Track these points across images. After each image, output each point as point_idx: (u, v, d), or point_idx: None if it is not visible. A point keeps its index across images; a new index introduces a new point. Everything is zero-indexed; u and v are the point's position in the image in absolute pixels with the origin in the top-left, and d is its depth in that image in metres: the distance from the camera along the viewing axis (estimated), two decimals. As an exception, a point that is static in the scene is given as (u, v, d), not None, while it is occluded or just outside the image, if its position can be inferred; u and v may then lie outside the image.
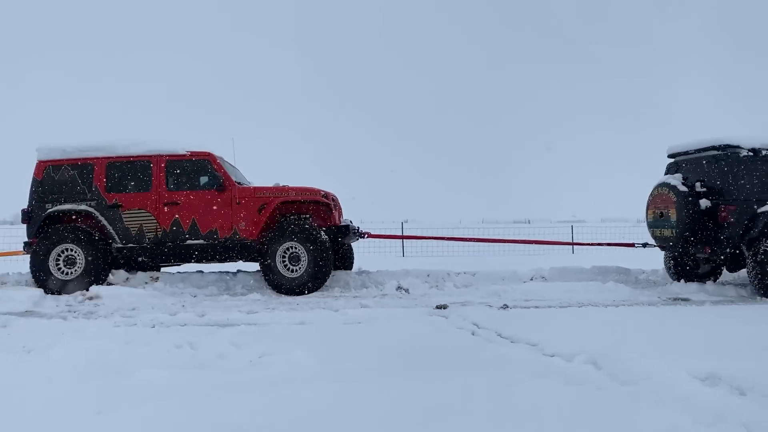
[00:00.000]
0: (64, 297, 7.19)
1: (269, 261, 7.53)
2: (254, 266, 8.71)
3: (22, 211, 7.92)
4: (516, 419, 2.37)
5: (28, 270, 7.89)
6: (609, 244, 9.92)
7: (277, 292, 7.52)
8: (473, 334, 4.44)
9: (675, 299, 6.73)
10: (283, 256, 7.56)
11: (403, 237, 10.14)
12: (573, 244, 11.45)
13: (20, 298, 6.76)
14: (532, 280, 8.26)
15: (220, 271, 8.35)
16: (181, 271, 8.54)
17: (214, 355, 3.78)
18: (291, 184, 8.04)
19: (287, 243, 7.54)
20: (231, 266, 9.02)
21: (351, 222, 8.59)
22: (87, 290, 7.25)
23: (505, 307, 5.92)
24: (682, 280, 7.74)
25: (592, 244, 10.28)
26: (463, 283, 7.96)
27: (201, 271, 8.37)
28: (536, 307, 6.05)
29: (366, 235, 8.97)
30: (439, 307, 5.81)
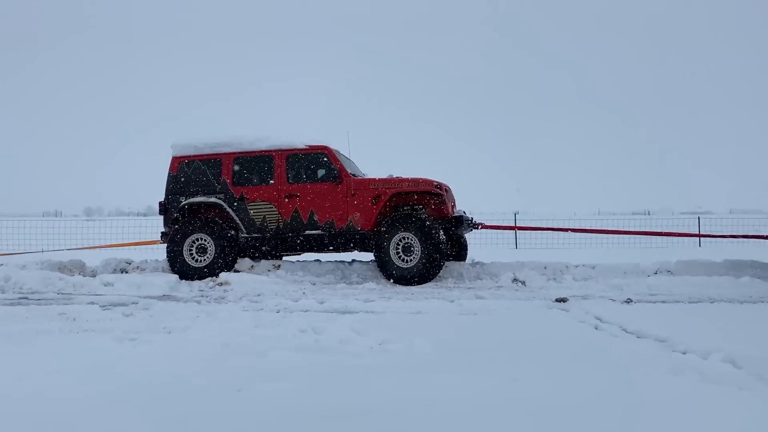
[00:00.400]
0: (196, 283, 7.74)
1: (383, 251, 7.69)
2: (369, 256, 8.93)
3: (159, 203, 8.60)
4: (652, 417, 2.27)
5: (164, 257, 8.57)
6: (744, 236, 9.18)
7: (391, 281, 7.66)
8: (596, 328, 4.29)
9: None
10: (397, 247, 7.68)
11: (518, 228, 9.90)
12: (701, 236, 10.69)
13: (158, 284, 7.35)
14: (656, 273, 7.82)
15: (336, 261, 8.62)
16: (301, 259, 8.91)
17: (336, 340, 3.91)
18: (405, 176, 8.14)
19: (401, 234, 7.66)
20: (346, 256, 9.29)
21: (464, 213, 8.56)
22: (217, 277, 7.77)
23: (629, 301, 5.67)
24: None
25: (723, 236, 9.55)
26: (583, 276, 7.70)
27: (319, 260, 8.68)
28: (663, 302, 5.72)
29: (480, 226, 8.91)
30: (558, 300, 5.66)
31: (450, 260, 8.47)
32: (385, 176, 8.20)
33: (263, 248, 8.27)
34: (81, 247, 14.17)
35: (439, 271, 7.64)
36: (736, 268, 7.76)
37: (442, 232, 7.64)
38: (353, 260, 8.73)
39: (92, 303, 5.95)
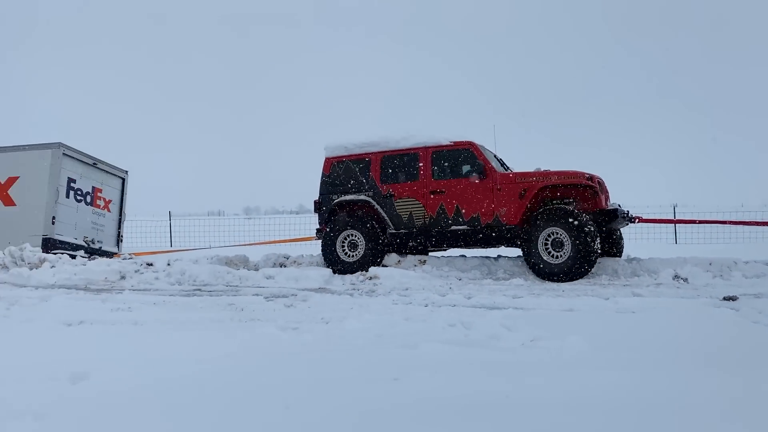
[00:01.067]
0: (348, 276, 8.10)
1: (531, 247, 7.53)
2: (514, 251, 8.79)
3: (314, 202, 9.12)
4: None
5: (318, 253, 9.06)
6: None
7: (539, 278, 7.48)
8: (773, 330, 3.92)
9: None
10: (546, 242, 7.48)
11: (677, 221, 9.23)
12: None
13: (314, 277, 7.78)
14: None
15: (481, 256, 8.60)
16: (446, 255, 8.99)
17: (486, 335, 3.91)
18: (554, 169, 7.92)
19: (550, 228, 7.45)
20: (492, 251, 9.22)
21: (619, 206, 8.14)
22: (366, 271, 8.07)
23: (813, 301, 5.08)
24: None
25: None
26: (754, 273, 7.01)
27: (464, 256, 8.70)
28: None
29: (637, 220, 8.42)
30: (727, 299, 5.22)
31: (603, 256, 8.10)
32: (532, 170, 8.03)
33: (410, 244, 8.46)
34: (243, 243, 15.36)
35: (591, 268, 7.33)
36: None
37: (594, 227, 7.33)
38: (499, 256, 8.65)
39: (257, 295, 6.45)
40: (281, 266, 9.21)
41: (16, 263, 9.09)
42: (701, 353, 3.24)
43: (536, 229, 7.52)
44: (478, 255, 8.85)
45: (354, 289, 7.02)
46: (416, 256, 8.63)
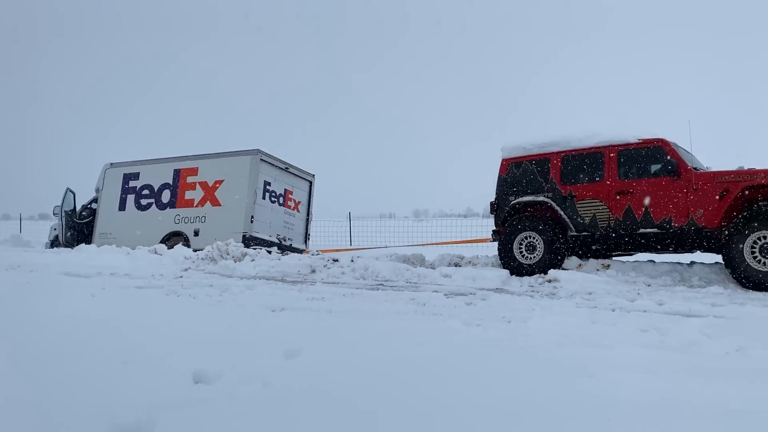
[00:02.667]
0: (525, 278, 8.00)
1: (735, 252, 6.84)
2: (709, 257, 8.08)
3: (490, 203, 9.13)
4: None
5: (492, 254, 9.06)
6: None
7: (743, 286, 6.77)
8: None
9: None
10: (753, 247, 6.76)
11: None
12: None
13: (491, 277, 7.80)
14: None
15: (673, 262, 8.01)
16: (631, 260, 8.51)
17: (684, 342, 3.68)
18: (758, 167, 7.15)
19: (759, 233, 6.70)
20: (683, 257, 8.55)
21: None
22: (545, 273, 7.92)
23: None
24: None
25: None
26: None
27: (652, 261, 8.18)
28: None
29: None
30: None
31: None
32: (734, 168, 7.32)
33: (593, 247, 8.14)
34: (418, 243, 15.79)
35: None
36: None
37: None
38: (692, 262, 8.00)
39: (436, 291, 6.63)
40: (456, 266, 9.35)
41: (222, 256, 10.24)
42: None
43: (742, 233, 6.81)
44: (668, 261, 8.26)
45: (533, 291, 6.93)
46: (599, 260, 8.28)
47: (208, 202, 13.38)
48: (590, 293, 6.56)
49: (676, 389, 2.50)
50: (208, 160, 13.77)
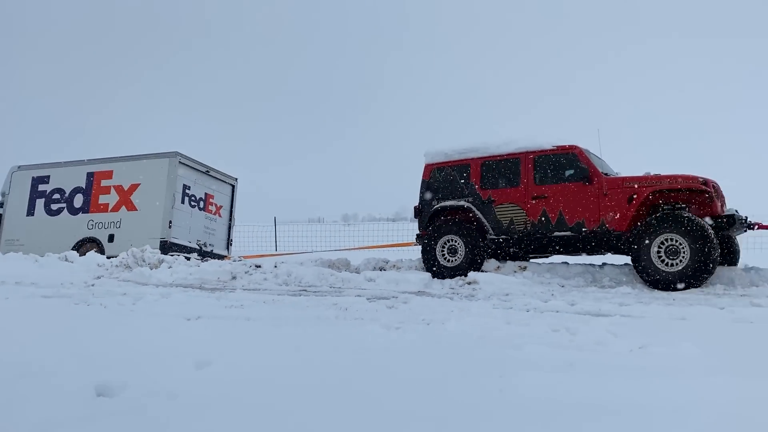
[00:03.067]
0: (447, 281, 8.13)
1: (643, 254, 7.21)
2: (620, 259, 8.48)
3: (414, 207, 9.25)
4: None
5: (416, 257, 9.17)
6: None
7: (651, 286, 7.13)
8: None
9: None
10: (659, 249, 7.15)
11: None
12: None
13: (413, 281, 7.89)
14: None
15: (585, 264, 8.35)
16: (547, 262, 8.82)
17: (592, 341, 3.82)
18: (663, 173, 7.58)
19: (664, 235, 7.09)
20: (595, 259, 8.94)
21: (737, 212, 7.66)
22: (466, 276, 8.07)
23: None
24: None
25: None
26: None
27: (566, 263, 8.50)
28: None
29: (756, 227, 7.87)
30: None
31: (719, 265, 7.64)
32: (641, 174, 7.72)
33: (510, 250, 8.38)
34: (344, 248, 15.77)
35: (709, 277, 6.93)
36: None
37: (713, 233, 6.92)
38: (604, 263, 8.37)
39: (359, 296, 6.63)
40: (381, 270, 9.39)
41: (137, 263, 9.85)
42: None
43: (649, 236, 7.18)
44: (581, 262, 8.61)
45: (453, 293, 7.05)
46: (516, 262, 8.53)
47: (123, 206, 12.86)
48: (507, 294, 6.74)
49: (579, 387, 2.59)
50: (123, 162, 13.24)
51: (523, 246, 8.27)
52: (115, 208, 12.89)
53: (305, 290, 7.48)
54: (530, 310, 5.41)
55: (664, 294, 6.71)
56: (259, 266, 9.06)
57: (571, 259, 9.12)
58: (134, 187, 12.87)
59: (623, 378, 2.76)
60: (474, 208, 8.54)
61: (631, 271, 7.74)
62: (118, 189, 13.00)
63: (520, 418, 2.22)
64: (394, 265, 9.49)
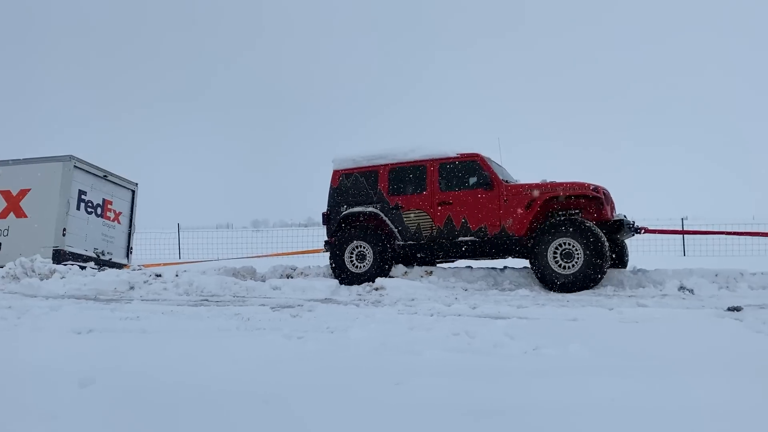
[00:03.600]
0: (354, 287, 8.14)
1: (540, 258, 7.53)
2: (520, 262, 8.82)
3: (322, 214, 9.20)
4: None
5: (324, 264, 9.12)
6: None
7: (549, 288, 7.47)
8: (776, 339, 3.92)
9: None
10: (555, 253, 7.49)
11: (685, 232, 9.19)
12: None
13: (320, 288, 7.84)
14: None
15: (488, 267, 8.62)
16: (452, 266, 9.03)
17: (490, 343, 3.93)
18: (559, 180, 7.96)
19: (560, 239, 7.45)
20: (498, 263, 9.24)
21: (625, 217, 8.16)
22: (373, 282, 8.11)
23: (819, 312, 5.08)
24: None
25: None
26: (761, 285, 7.00)
27: (470, 267, 8.74)
28: None
29: (643, 231, 8.43)
30: (731, 309, 5.21)
31: (611, 267, 8.11)
32: (539, 181, 8.08)
33: (418, 255, 8.51)
34: (252, 255, 15.44)
35: (601, 278, 7.35)
36: None
37: (604, 237, 7.34)
38: (505, 267, 8.68)
39: (263, 305, 6.49)
40: (288, 277, 9.27)
41: (26, 274, 9.22)
42: (701, 362, 3.26)
43: (545, 240, 7.53)
44: (484, 266, 8.88)
45: (360, 300, 7.06)
46: (423, 267, 8.68)
47: (12, 213, 12.01)
48: (413, 299, 6.83)
49: (471, 390, 2.66)
50: (12, 166, 12.37)
51: (431, 251, 8.42)
52: (3, 215, 12.02)
53: (207, 300, 7.26)
54: (434, 314, 5.49)
55: (559, 296, 7.04)
56: (160, 275, 8.71)
57: (475, 263, 9.39)
58: (24, 192, 12.04)
59: (514, 380, 2.86)
60: (382, 214, 8.61)
61: (530, 274, 8.08)
62: (6, 194, 12.13)
63: (409, 423, 2.24)
64: (302, 273, 9.40)
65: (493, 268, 8.58)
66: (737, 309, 5.20)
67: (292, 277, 9.24)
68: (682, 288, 7.06)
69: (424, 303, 6.36)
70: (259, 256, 14.91)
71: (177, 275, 8.54)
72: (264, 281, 8.57)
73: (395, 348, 3.75)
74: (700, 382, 2.77)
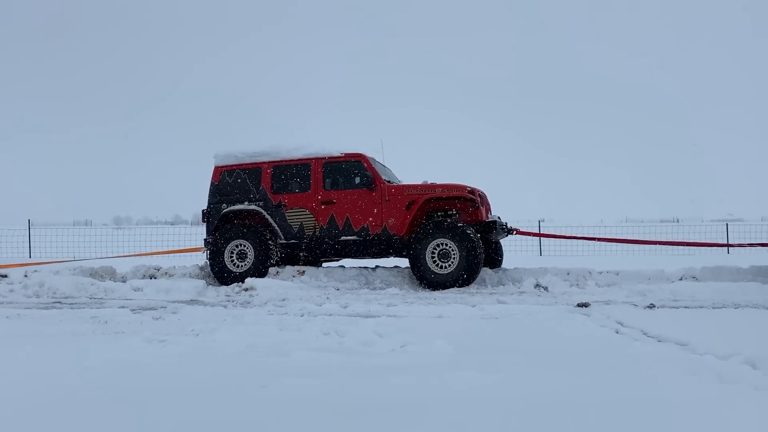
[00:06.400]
0: (223, 288, 7.92)
1: (419, 257, 7.73)
2: (392, 262, 9.01)
3: (202, 211, 8.86)
4: (666, 415, 2.31)
5: (191, 263, 8.77)
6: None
7: (427, 288, 7.70)
8: (617, 332, 4.30)
9: None
10: (433, 253, 7.72)
11: (550, 236, 9.83)
12: (729, 245, 10.41)
13: (186, 289, 7.53)
14: (681, 279, 7.77)
15: (360, 267, 8.72)
16: (324, 266, 9.03)
17: (359, 342, 3.98)
18: (439, 182, 8.23)
19: (438, 239, 7.69)
20: (370, 262, 9.38)
21: (499, 218, 8.60)
22: (243, 282, 7.92)
23: (652, 306, 5.65)
24: None
25: (752, 245, 9.34)
26: (606, 282, 7.68)
27: (343, 266, 8.79)
28: (686, 307, 5.70)
29: (515, 232, 8.95)
30: (580, 305, 5.67)
31: (486, 266, 8.54)
32: (419, 182, 8.31)
33: (301, 254, 8.47)
34: (114, 255, 14.49)
35: (476, 277, 7.69)
36: (764, 273, 7.66)
37: (479, 238, 7.68)
38: (376, 266, 8.83)
39: (123, 307, 6.14)
40: (152, 278, 8.81)
41: None
42: (554, 354, 3.51)
43: (424, 240, 7.73)
44: (356, 265, 8.97)
45: (228, 301, 6.87)
46: (295, 266, 8.60)
47: None
48: (284, 299, 6.75)
49: (339, 389, 2.67)
50: None
51: (313, 250, 8.38)
52: None
53: (60, 302, 6.72)
54: (304, 314, 5.46)
55: (427, 293, 7.28)
56: (5, 276, 7.96)
57: (348, 263, 9.46)
58: None
59: (382, 378, 2.91)
60: (264, 213, 8.45)
61: (400, 273, 8.29)
62: None
63: (272, 427, 2.21)
64: (167, 273, 8.97)
65: (364, 267, 8.69)
66: (585, 305, 5.66)
67: (155, 278, 8.78)
68: (537, 285, 7.57)
69: (295, 303, 6.31)
70: (121, 256, 14.01)
71: (26, 276, 7.84)
72: (125, 282, 8.09)
73: (263, 350, 3.69)
74: (547, 372, 2.98)
